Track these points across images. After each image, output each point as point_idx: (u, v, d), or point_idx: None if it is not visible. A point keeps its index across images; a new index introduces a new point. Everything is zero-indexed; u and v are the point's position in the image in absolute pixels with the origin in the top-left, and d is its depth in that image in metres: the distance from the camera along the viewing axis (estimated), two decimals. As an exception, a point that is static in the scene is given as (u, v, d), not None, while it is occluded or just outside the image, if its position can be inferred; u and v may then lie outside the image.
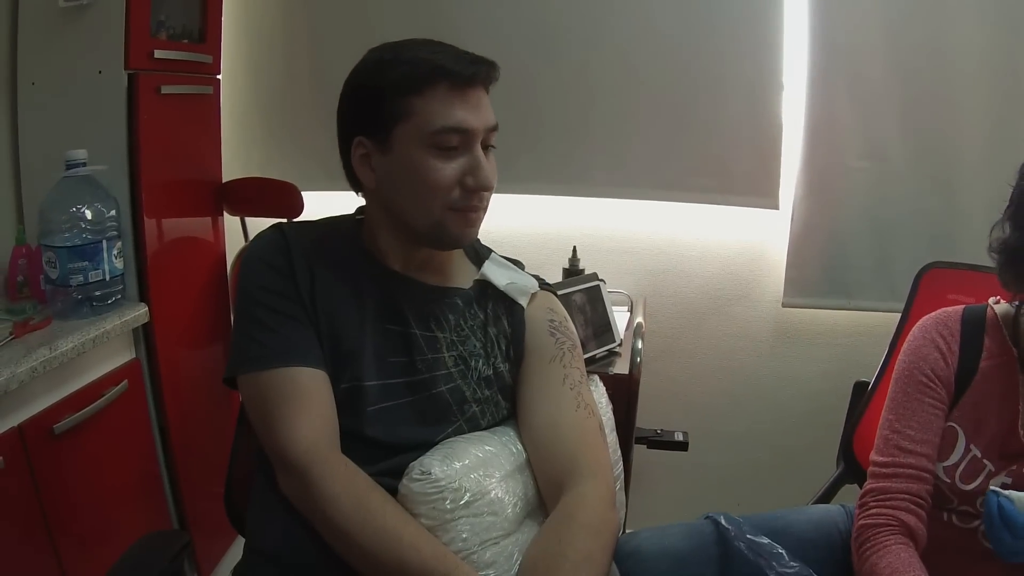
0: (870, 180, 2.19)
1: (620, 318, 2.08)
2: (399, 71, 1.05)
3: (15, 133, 1.82)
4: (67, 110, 1.78)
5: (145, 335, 1.87)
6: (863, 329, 2.32)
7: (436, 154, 1.04)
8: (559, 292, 1.87)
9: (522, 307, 1.21)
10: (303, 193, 2.26)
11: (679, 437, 1.96)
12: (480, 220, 1.11)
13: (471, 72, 1.05)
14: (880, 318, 2.23)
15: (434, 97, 1.04)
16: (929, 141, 2.14)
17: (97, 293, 1.69)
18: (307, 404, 1.04)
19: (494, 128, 1.09)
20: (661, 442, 1.95)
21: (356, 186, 1.16)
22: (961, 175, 2.14)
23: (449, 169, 1.05)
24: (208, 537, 2.08)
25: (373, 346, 1.11)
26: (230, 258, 2.28)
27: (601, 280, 2.00)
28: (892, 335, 1.58)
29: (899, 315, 2.23)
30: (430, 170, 1.04)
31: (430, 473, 1.01)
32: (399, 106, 1.05)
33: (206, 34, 2.08)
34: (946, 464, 1.21)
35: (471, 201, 1.07)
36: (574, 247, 2.32)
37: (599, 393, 1.34)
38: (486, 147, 1.09)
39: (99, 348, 1.65)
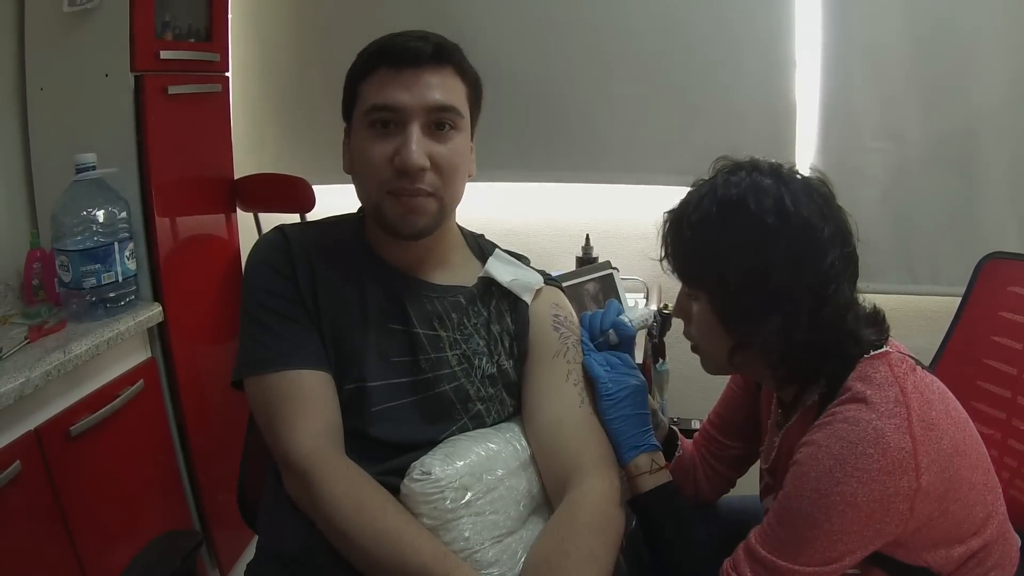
0: (887, 161, 2.14)
1: (644, 308, 2.07)
2: (357, 61, 1.09)
3: (26, 138, 1.84)
4: (76, 114, 1.80)
5: (160, 334, 1.89)
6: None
7: (371, 133, 1.05)
8: (571, 282, 1.87)
9: (526, 303, 1.19)
10: (317, 187, 2.27)
11: (695, 425, 1.95)
12: (425, 210, 1.07)
13: (403, 50, 1.04)
14: (899, 300, 2.20)
15: (375, 79, 1.06)
16: (948, 122, 2.10)
17: (111, 295, 1.71)
18: (310, 406, 1.04)
19: (440, 108, 1.05)
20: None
21: None
22: (981, 157, 2.09)
23: (380, 148, 1.04)
24: (228, 532, 2.11)
25: (376, 346, 1.11)
26: (244, 254, 2.30)
27: (615, 268, 1.98)
28: (949, 323, 1.57)
29: (919, 298, 2.21)
30: (364, 149, 1.06)
31: (430, 473, 1.01)
32: (354, 92, 1.09)
33: (212, 32, 2.08)
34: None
35: (401, 183, 1.04)
36: (587, 235, 2.31)
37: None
38: (439, 128, 1.06)
39: (114, 349, 1.67)
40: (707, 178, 1.07)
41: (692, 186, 1.09)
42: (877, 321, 1.05)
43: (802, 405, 1.07)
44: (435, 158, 1.05)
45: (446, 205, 1.10)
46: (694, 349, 1.14)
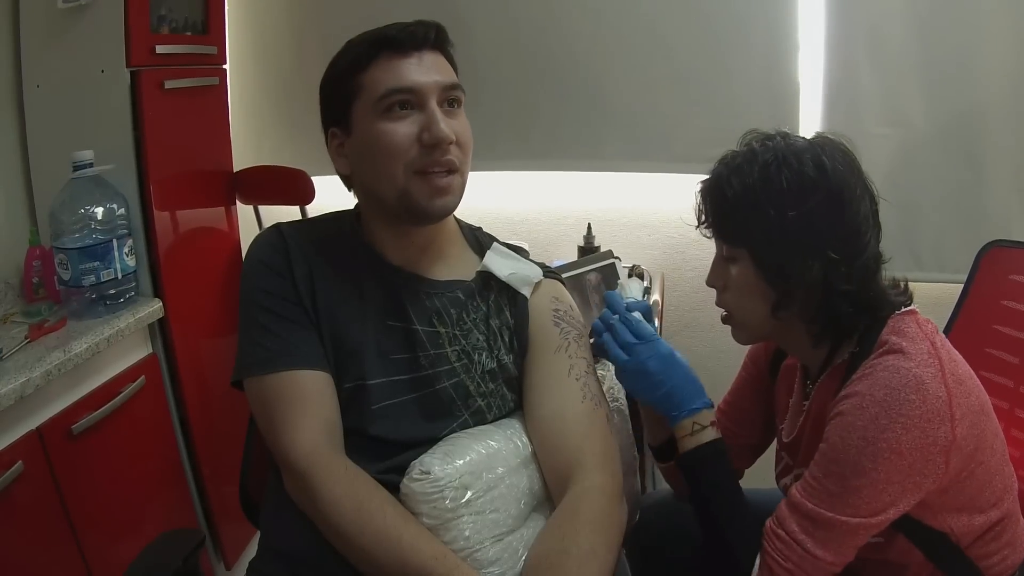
0: (892, 147, 2.12)
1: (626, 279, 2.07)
2: (347, 56, 1.08)
3: (24, 136, 1.84)
4: (73, 111, 1.79)
5: (161, 329, 1.89)
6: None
7: (388, 118, 1.04)
8: (573, 272, 1.86)
9: (525, 297, 1.19)
10: (316, 178, 2.27)
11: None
12: (452, 187, 1.07)
13: (408, 34, 1.05)
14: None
15: (378, 67, 1.05)
16: (953, 107, 2.07)
17: (110, 292, 1.71)
18: (308, 407, 1.04)
19: (452, 86, 1.07)
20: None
21: (346, 181, 1.16)
22: (988, 143, 2.06)
23: (402, 129, 1.04)
24: (233, 527, 2.12)
25: (375, 344, 1.10)
26: (245, 247, 2.29)
27: (616, 258, 1.97)
28: (951, 312, 1.57)
29: (923, 285, 2.19)
30: (383, 134, 1.04)
31: (429, 472, 1.01)
32: (351, 86, 1.07)
33: (209, 25, 2.06)
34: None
35: (432, 157, 1.04)
36: (588, 224, 2.30)
37: (611, 378, 1.33)
38: (450, 105, 1.07)
39: (114, 346, 1.67)
40: (738, 150, 1.11)
41: (725, 155, 1.12)
42: (899, 286, 1.12)
43: (831, 365, 1.10)
44: (455, 133, 1.05)
45: (464, 182, 1.10)
46: (726, 319, 1.17)
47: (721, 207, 1.10)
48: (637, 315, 1.19)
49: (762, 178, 1.04)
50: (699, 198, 1.14)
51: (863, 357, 1.02)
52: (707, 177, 1.13)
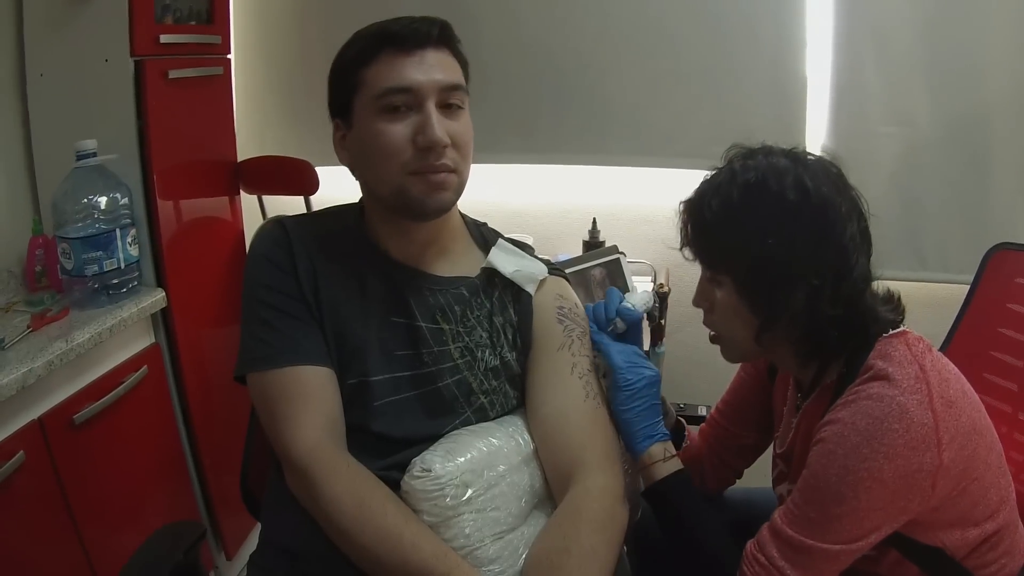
0: (897, 147, 2.11)
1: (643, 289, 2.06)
2: (351, 49, 1.07)
3: (27, 125, 1.83)
4: (76, 100, 1.78)
5: (164, 319, 1.89)
6: (891, 297, 2.27)
7: (385, 117, 1.03)
8: (578, 268, 1.86)
9: (529, 295, 1.18)
10: (320, 168, 2.26)
11: (702, 412, 1.93)
12: (449, 185, 1.06)
13: (410, 32, 1.04)
14: (909, 287, 2.17)
15: (380, 63, 1.04)
16: (959, 106, 2.06)
17: (113, 281, 1.71)
18: (311, 403, 1.04)
19: (453, 87, 1.06)
20: (683, 417, 1.93)
21: (352, 172, 1.16)
22: (994, 143, 2.05)
23: (398, 130, 1.03)
24: (234, 518, 2.12)
25: (378, 340, 1.10)
26: (249, 236, 2.29)
27: (621, 253, 1.97)
28: (956, 314, 1.55)
29: (929, 285, 2.18)
30: (380, 133, 1.03)
31: (430, 470, 1.01)
32: (353, 80, 1.06)
33: (213, 15, 2.05)
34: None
35: (427, 160, 1.03)
36: (594, 219, 2.29)
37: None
38: (449, 106, 1.06)
39: (117, 336, 1.66)
40: (721, 166, 1.08)
41: (707, 174, 1.09)
42: (892, 300, 1.08)
43: (820, 384, 1.09)
44: (452, 135, 1.05)
45: (463, 181, 1.10)
46: (714, 339, 1.15)
47: (701, 230, 1.08)
48: (619, 321, 1.19)
49: (741, 201, 1.02)
50: (681, 218, 1.11)
51: (850, 380, 1.01)
52: (688, 197, 1.10)
